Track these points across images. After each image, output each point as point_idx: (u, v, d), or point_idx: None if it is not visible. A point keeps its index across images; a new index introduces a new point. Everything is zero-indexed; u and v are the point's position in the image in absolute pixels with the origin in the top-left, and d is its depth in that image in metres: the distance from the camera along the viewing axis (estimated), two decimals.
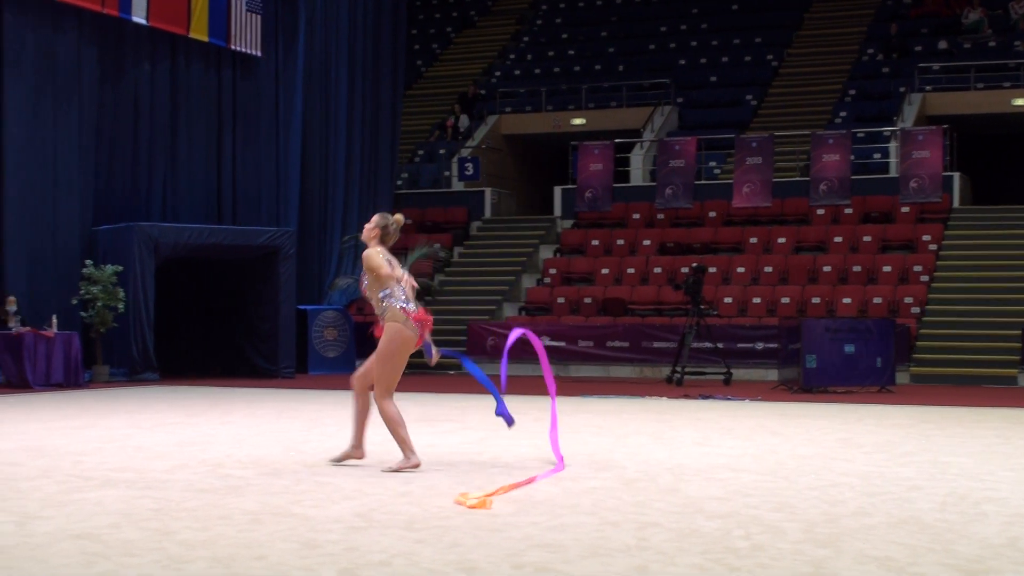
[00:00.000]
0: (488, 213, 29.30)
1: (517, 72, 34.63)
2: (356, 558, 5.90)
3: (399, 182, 29.71)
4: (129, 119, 22.58)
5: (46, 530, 6.54)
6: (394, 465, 9.10)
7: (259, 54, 24.77)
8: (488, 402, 10.92)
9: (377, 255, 9.31)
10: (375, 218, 9.57)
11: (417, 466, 9.08)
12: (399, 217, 9.71)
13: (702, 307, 20.31)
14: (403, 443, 9.18)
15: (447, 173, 30.17)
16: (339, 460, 9.52)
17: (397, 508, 7.32)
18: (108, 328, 19.99)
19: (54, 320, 19.25)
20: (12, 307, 19.29)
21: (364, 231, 9.54)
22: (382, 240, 9.51)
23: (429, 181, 30.42)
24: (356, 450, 9.55)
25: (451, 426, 12.99)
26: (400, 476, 8.74)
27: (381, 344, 9.17)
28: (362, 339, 24.41)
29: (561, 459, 9.51)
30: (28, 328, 18.92)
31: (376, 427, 9.57)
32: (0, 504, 7.38)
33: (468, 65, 35.70)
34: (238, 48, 24.29)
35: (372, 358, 9.36)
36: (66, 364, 19.04)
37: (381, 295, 9.27)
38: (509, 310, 25.87)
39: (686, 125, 30.53)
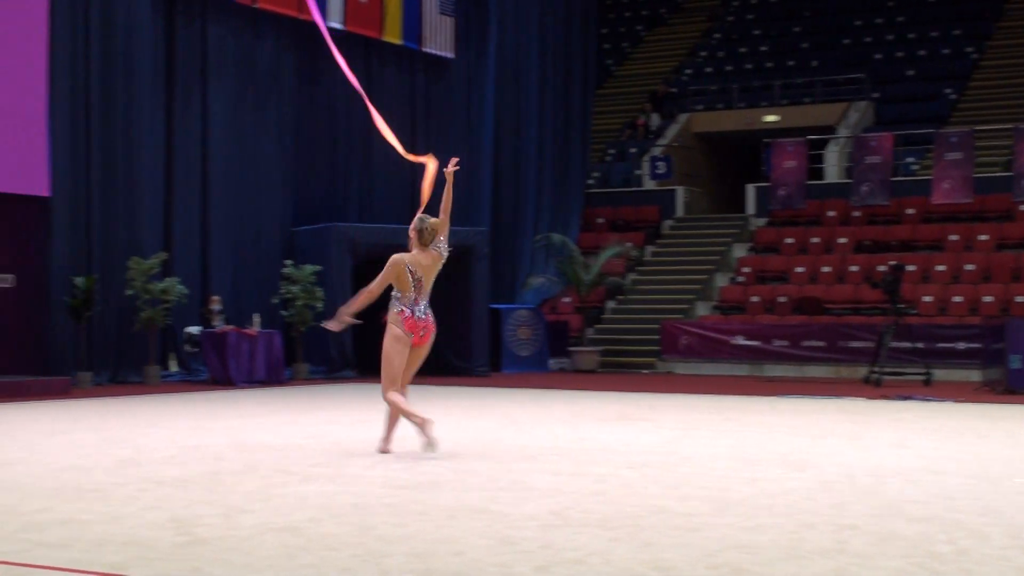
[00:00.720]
0: (680, 211, 29.13)
1: (708, 69, 34.37)
2: (551, 556, 5.93)
3: (590, 181, 29.74)
4: (326, 122, 23.08)
5: (251, 523, 6.72)
6: (421, 445, 9.65)
7: (451, 56, 25.05)
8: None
9: (400, 266, 10.02)
10: (414, 220, 10.26)
11: (428, 421, 9.69)
12: (435, 220, 10.28)
13: (900, 306, 19.88)
14: (410, 415, 9.82)
15: (638, 172, 30.08)
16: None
17: (591, 507, 7.34)
18: (308, 326, 20.44)
19: (256, 319, 19.77)
20: (216, 306, 19.89)
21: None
22: (420, 241, 10.18)
23: (620, 180, 30.36)
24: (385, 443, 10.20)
25: (646, 425, 12.95)
26: (594, 475, 8.75)
27: (383, 344, 10.02)
28: (555, 337, 24.54)
29: None
30: (232, 327, 19.48)
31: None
32: (207, 497, 7.60)
33: (659, 63, 35.55)
34: (430, 50, 24.62)
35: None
36: (268, 362, 19.54)
37: (393, 293, 10.06)
38: (702, 309, 25.69)
39: (882, 120, 29.90)
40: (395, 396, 9.91)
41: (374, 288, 9.94)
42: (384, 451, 10.13)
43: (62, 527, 6.56)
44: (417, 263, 10.11)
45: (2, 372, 17.61)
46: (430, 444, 9.61)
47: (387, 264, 9.98)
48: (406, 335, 9.99)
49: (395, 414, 10.07)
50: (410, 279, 10.06)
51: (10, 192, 17.84)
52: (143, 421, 13.08)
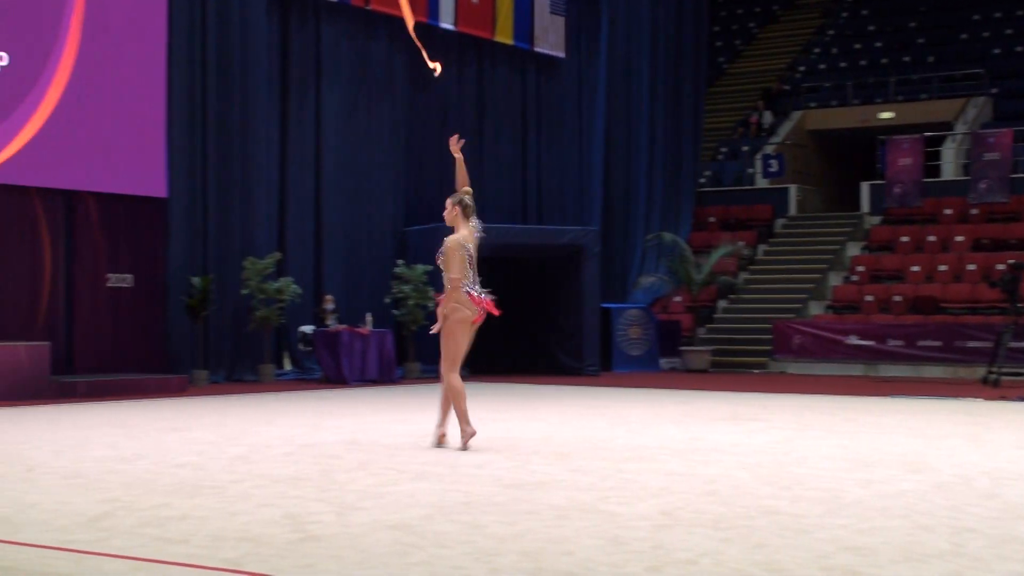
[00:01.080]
0: (793, 210, 28.87)
1: (822, 66, 34.02)
2: (662, 556, 5.91)
3: (702, 180, 29.58)
4: (437, 122, 23.21)
5: (363, 520, 6.78)
6: (462, 443, 10.02)
7: (563, 55, 25.09)
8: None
9: (457, 249, 10.09)
10: (448, 200, 10.29)
11: (473, 435, 10.01)
12: (467, 188, 10.37)
13: (1020, 305, 19.51)
14: (462, 415, 10.04)
15: (750, 170, 29.87)
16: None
17: (703, 507, 7.30)
18: (419, 325, 20.57)
19: (369, 318, 19.94)
20: (330, 305, 20.10)
21: (445, 216, 10.31)
22: (464, 215, 10.23)
23: (732, 178, 30.17)
24: (440, 429, 10.39)
25: (758, 425, 12.85)
26: (705, 475, 8.70)
27: (446, 324, 10.11)
28: (666, 337, 24.45)
29: None
30: (345, 326, 19.67)
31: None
32: (321, 495, 7.69)
33: (771, 60, 35.27)
34: (542, 50, 24.67)
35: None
36: (380, 360, 19.71)
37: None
38: (815, 308, 25.44)
39: (1001, 116, 29.36)
40: (459, 383, 10.17)
41: (455, 276, 10.05)
42: (442, 439, 10.33)
43: (180, 522, 6.67)
44: (468, 241, 10.23)
45: (122, 370, 17.97)
46: (463, 448, 9.96)
47: (448, 249, 10.08)
48: (473, 313, 10.16)
49: (449, 398, 10.24)
50: (467, 258, 10.16)
51: (129, 194, 18.19)
52: (258, 419, 13.25)
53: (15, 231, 17.32)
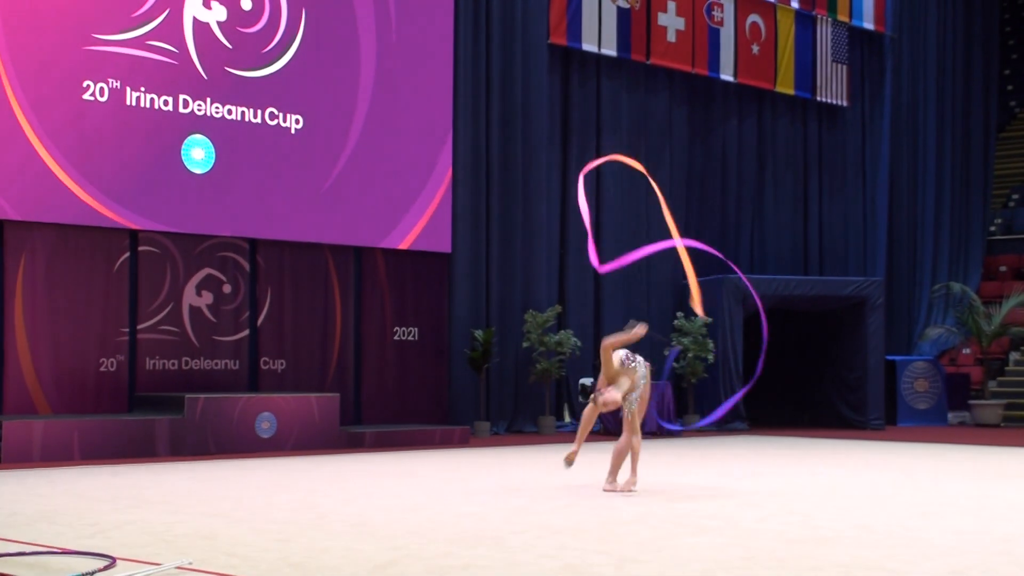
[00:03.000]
0: None
1: None
2: None
3: (992, 228, 28.60)
4: (717, 174, 23.20)
5: (642, 573, 6.76)
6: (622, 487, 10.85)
7: (845, 104, 24.72)
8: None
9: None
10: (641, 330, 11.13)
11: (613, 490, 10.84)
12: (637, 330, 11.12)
13: None
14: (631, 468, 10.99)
15: None
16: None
17: (996, 566, 7.01)
18: (699, 378, 20.46)
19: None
20: None
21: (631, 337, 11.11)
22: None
23: None
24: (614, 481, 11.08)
25: None
26: (998, 533, 8.36)
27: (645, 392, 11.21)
28: (954, 390, 23.67)
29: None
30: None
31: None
32: (600, 547, 7.70)
33: None
34: (824, 99, 24.37)
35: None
36: (659, 413, 19.65)
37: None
38: None
39: None
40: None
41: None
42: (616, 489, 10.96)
43: (463, 571, 6.78)
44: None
45: (407, 421, 18.44)
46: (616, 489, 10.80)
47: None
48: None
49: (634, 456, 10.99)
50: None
51: (416, 249, 18.71)
52: (538, 470, 13.38)
53: (308, 287, 18.01)
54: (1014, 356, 25.58)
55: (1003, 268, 27.76)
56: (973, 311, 24.03)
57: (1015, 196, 30.46)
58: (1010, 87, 34.90)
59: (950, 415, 23.51)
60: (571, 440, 12.06)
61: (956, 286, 25.13)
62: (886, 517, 9.29)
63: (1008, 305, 24.05)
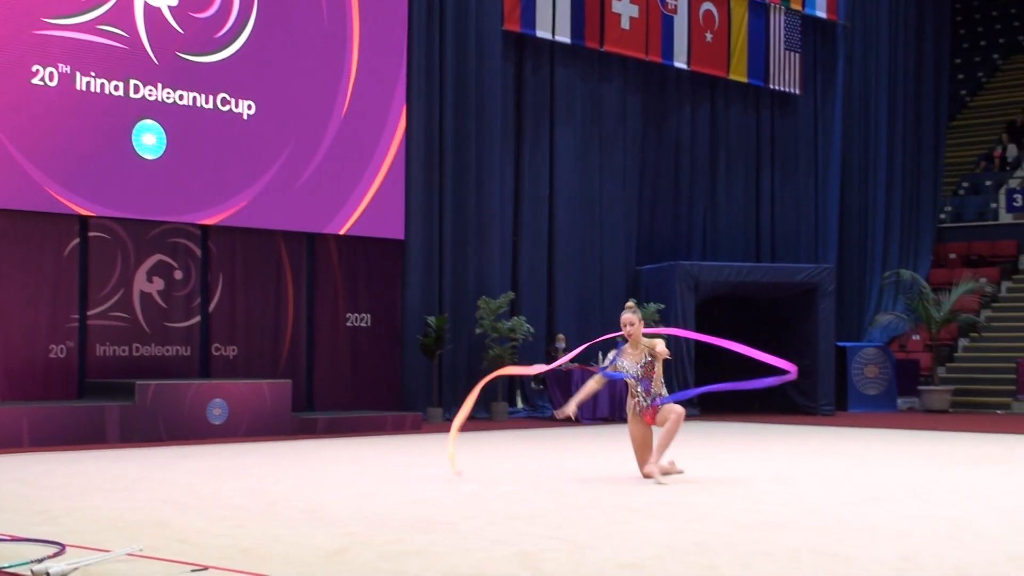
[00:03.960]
0: None
1: None
2: None
3: (942, 215, 28.83)
4: (670, 161, 23.26)
5: (596, 559, 6.78)
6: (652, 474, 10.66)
7: (798, 92, 24.83)
8: None
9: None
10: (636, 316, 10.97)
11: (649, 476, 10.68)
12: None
13: None
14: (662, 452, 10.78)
15: (994, 205, 28.96)
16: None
17: (944, 552, 7.08)
18: None
19: (601, 356, 19.96)
20: (561, 344, 20.23)
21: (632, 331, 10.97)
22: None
23: (974, 214, 29.30)
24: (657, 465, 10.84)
25: (1002, 467, 12.40)
26: (946, 518, 8.44)
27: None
28: (904, 376, 23.84)
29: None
30: (577, 364, 19.74)
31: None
32: (553, 532, 7.72)
33: (1016, 92, 34.12)
34: (777, 87, 24.47)
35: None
36: (611, 398, 19.71)
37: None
38: None
39: None
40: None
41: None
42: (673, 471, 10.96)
43: (415, 558, 6.78)
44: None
45: (360, 407, 18.40)
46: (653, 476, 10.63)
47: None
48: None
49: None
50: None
51: (369, 236, 18.65)
52: (490, 456, 13.39)
53: (260, 273, 17.93)
54: (963, 343, 25.80)
55: (952, 255, 27.98)
56: (923, 298, 24.20)
57: (965, 184, 30.69)
58: (960, 76, 35.17)
59: (899, 401, 23.69)
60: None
61: (906, 273, 25.31)
62: (836, 502, 9.36)
63: (957, 292, 24.23)
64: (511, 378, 20.64)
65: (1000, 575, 6.39)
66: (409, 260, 19.24)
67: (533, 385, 20.60)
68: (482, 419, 19.54)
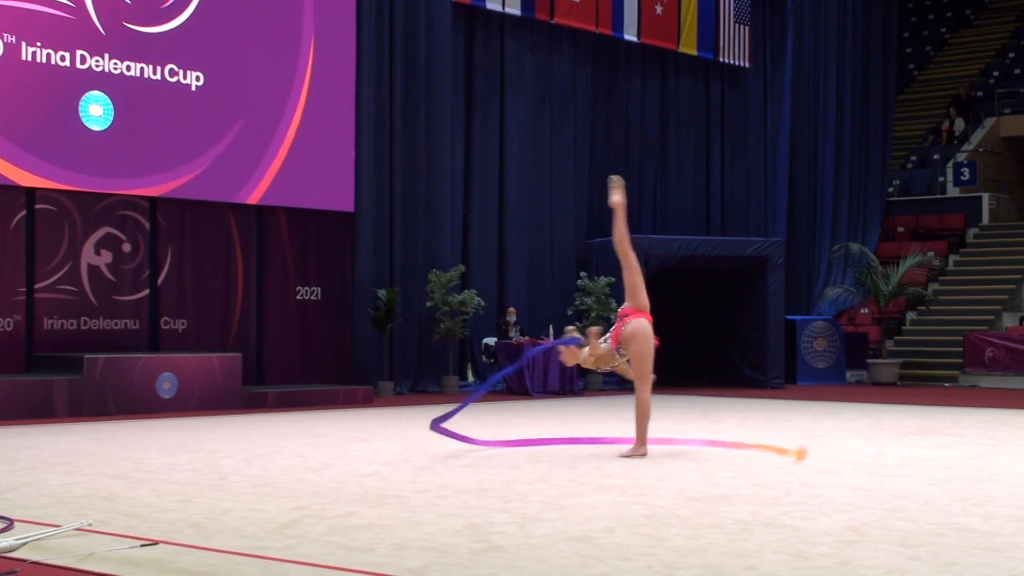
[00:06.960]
0: (986, 219, 28.12)
1: (1017, 71, 33.03)
2: (848, 572, 5.80)
3: (890, 189, 29.03)
4: (620, 134, 23.28)
5: (545, 532, 6.80)
6: (626, 451, 10.60)
7: (747, 65, 24.90)
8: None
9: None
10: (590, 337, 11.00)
11: (643, 455, 10.48)
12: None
13: None
14: (642, 433, 10.55)
15: (941, 179, 29.19)
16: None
17: (891, 523, 7.15)
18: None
19: (551, 330, 20.02)
20: (512, 317, 20.25)
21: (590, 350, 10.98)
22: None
23: (922, 187, 29.52)
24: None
25: (948, 440, 12.54)
26: (893, 490, 8.53)
27: (641, 343, 10.64)
28: (852, 349, 24.02)
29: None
30: (527, 338, 19.78)
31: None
32: (503, 506, 7.74)
33: (964, 66, 34.37)
34: (726, 60, 24.53)
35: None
36: (562, 372, 19.76)
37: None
38: (1009, 320, 24.73)
39: None
40: (648, 402, 10.62)
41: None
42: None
43: (366, 531, 6.79)
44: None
45: (310, 381, 18.36)
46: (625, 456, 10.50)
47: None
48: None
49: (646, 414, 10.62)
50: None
51: (318, 208, 18.58)
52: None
53: (209, 246, 17.83)
54: (910, 316, 26.02)
55: (901, 229, 28.19)
56: (871, 271, 24.37)
57: (913, 158, 30.90)
58: (909, 50, 35.37)
59: (848, 374, 23.87)
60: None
61: (855, 246, 25.48)
62: (784, 474, 9.42)
63: (905, 265, 24.42)
64: (463, 352, 20.66)
65: (945, 545, 6.45)
66: (359, 233, 19.17)
67: (484, 359, 20.60)
68: (433, 392, 19.55)
